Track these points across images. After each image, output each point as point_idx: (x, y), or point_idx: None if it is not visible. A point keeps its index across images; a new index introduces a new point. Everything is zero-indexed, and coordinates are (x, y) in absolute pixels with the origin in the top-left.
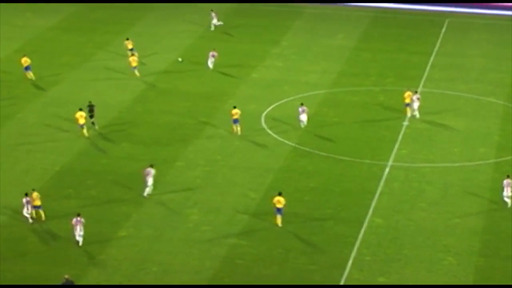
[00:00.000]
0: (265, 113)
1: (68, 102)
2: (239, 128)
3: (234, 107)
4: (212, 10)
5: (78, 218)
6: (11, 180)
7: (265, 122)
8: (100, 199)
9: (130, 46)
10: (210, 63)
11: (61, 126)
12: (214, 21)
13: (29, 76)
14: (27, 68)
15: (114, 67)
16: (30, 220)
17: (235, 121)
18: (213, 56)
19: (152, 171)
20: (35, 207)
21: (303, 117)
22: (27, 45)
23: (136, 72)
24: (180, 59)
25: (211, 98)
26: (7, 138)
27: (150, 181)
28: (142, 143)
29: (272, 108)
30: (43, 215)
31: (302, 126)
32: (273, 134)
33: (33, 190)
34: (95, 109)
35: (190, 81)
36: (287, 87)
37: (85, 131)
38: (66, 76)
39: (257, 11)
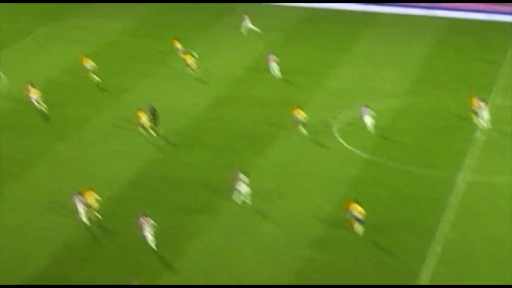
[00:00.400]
0: (337, 121)
1: (141, 107)
2: (303, 129)
3: (298, 108)
4: (245, 14)
5: (145, 218)
6: (79, 185)
7: (337, 131)
8: (173, 207)
9: (178, 46)
10: (271, 68)
11: (135, 132)
12: (247, 23)
13: (91, 77)
14: (88, 68)
15: (186, 73)
16: (84, 219)
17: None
18: (273, 60)
19: (241, 176)
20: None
21: (367, 120)
22: (100, 49)
23: (192, 68)
24: (195, 55)
25: (284, 105)
26: (81, 144)
27: (242, 187)
28: (215, 150)
29: (344, 116)
30: (96, 214)
31: (369, 129)
32: (345, 143)
33: (89, 188)
34: (157, 113)
35: (262, 87)
36: (359, 95)
37: (146, 129)
38: (139, 81)
39: (329, 18)
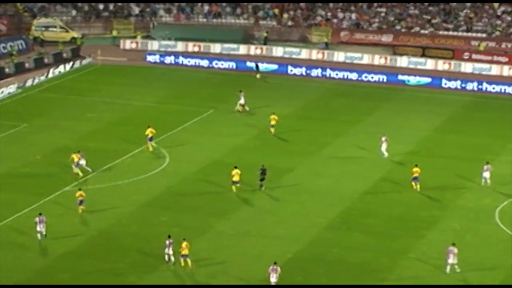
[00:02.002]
0: (499, 208)
1: (301, 190)
2: (418, 186)
3: (416, 165)
4: (240, 91)
5: (274, 267)
6: (243, 266)
7: (499, 217)
8: None
9: (273, 123)
10: (384, 149)
11: (295, 214)
12: (242, 101)
13: (150, 147)
14: (150, 139)
15: (348, 156)
16: (166, 258)
17: (415, 178)
18: (386, 140)
19: (454, 249)
20: (183, 256)
21: (486, 175)
22: (265, 132)
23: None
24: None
25: (446, 189)
26: (240, 225)
27: (452, 258)
28: (374, 233)
29: (507, 204)
30: (189, 263)
31: (485, 183)
32: (507, 230)
33: (184, 239)
34: (267, 173)
35: (424, 172)
36: None
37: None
38: (300, 164)
39: (493, 105)
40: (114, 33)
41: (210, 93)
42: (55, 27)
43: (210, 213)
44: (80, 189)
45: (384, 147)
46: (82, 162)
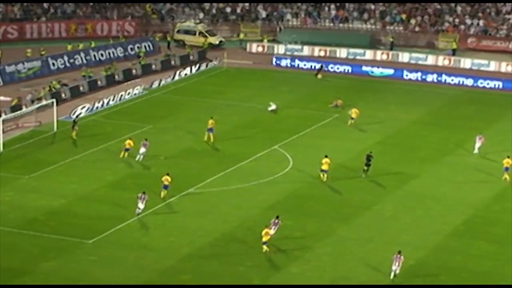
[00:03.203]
0: None
1: (425, 196)
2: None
3: (508, 156)
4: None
5: (398, 256)
6: (365, 272)
7: None
8: None
9: (354, 116)
10: (477, 148)
11: (419, 220)
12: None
13: (208, 138)
14: (210, 130)
15: (474, 164)
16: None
17: (506, 169)
18: (480, 139)
19: None
20: (264, 243)
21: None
22: (389, 137)
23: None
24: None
25: None
26: (363, 230)
27: None
28: (498, 242)
29: None
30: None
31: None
32: None
33: (266, 226)
34: (372, 160)
35: None
36: None
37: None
38: (425, 170)
39: None
40: (241, 36)
41: (336, 98)
42: (195, 32)
43: (332, 218)
44: (168, 174)
45: (477, 145)
46: (143, 150)
